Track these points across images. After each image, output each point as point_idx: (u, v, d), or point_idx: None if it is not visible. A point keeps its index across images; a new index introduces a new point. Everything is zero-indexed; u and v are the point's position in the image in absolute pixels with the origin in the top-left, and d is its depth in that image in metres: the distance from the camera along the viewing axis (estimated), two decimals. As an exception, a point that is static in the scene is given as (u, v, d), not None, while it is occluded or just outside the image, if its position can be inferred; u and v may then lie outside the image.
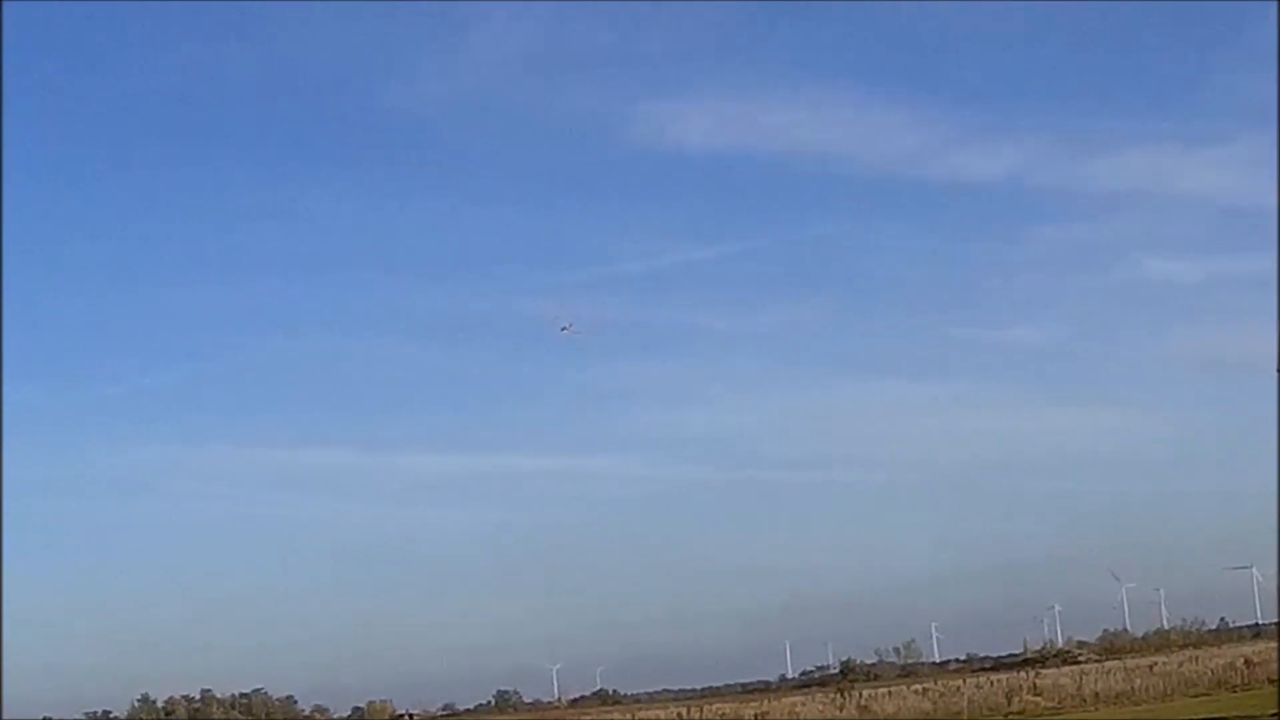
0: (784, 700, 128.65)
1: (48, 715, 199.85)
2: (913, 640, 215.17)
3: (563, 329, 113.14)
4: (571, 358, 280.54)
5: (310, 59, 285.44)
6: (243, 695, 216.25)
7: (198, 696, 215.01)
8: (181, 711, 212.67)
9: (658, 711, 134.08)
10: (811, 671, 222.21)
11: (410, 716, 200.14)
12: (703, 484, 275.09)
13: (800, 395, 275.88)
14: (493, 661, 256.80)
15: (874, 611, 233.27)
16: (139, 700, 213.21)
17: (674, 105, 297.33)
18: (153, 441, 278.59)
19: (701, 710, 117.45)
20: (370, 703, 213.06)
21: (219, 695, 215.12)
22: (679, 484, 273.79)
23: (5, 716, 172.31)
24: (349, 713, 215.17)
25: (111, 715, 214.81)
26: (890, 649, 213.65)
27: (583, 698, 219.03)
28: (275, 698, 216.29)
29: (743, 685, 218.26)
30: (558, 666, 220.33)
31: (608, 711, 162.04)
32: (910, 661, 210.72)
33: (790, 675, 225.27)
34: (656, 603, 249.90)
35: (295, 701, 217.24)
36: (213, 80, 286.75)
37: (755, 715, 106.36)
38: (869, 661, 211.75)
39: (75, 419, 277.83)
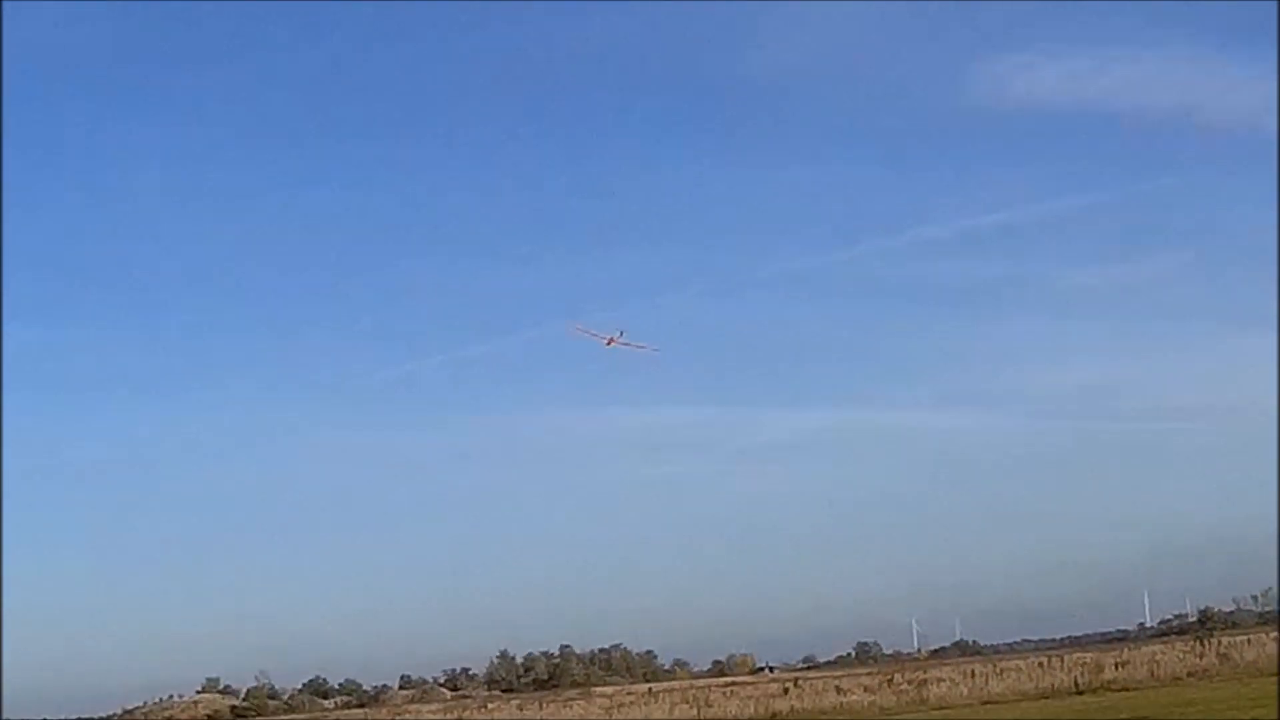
0: (1144, 649, 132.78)
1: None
2: (1270, 588, 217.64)
3: (608, 341, 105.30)
4: (929, 313, 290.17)
5: (655, 25, 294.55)
6: (602, 650, 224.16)
7: (557, 652, 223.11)
8: (541, 668, 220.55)
9: (1017, 661, 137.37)
10: (1170, 620, 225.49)
11: (771, 670, 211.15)
12: (1061, 437, 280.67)
13: (1157, 347, 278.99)
14: (853, 615, 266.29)
15: (1231, 560, 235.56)
16: (498, 657, 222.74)
17: (1021, 59, 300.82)
18: (507, 404, 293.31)
19: (1062, 660, 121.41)
20: (731, 656, 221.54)
21: (578, 651, 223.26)
22: (1037, 437, 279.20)
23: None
24: (709, 667, 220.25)
25: (471, 673, 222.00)
26: (1248, 597, 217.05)
27: (942, 649, 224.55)
28: (635, 653, 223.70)
29: (1102, 635, 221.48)
30: (917, 618, 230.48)
31: (968, 661, 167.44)
32: (1268, 609, 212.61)
33: (1149, 624, 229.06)
34: (1015, 554, 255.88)
35: (655, 656, 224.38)
36: (565, 50, 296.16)
37: (1115, 664, 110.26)
38: (1226, 609, 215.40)
39: (441, 384, 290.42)
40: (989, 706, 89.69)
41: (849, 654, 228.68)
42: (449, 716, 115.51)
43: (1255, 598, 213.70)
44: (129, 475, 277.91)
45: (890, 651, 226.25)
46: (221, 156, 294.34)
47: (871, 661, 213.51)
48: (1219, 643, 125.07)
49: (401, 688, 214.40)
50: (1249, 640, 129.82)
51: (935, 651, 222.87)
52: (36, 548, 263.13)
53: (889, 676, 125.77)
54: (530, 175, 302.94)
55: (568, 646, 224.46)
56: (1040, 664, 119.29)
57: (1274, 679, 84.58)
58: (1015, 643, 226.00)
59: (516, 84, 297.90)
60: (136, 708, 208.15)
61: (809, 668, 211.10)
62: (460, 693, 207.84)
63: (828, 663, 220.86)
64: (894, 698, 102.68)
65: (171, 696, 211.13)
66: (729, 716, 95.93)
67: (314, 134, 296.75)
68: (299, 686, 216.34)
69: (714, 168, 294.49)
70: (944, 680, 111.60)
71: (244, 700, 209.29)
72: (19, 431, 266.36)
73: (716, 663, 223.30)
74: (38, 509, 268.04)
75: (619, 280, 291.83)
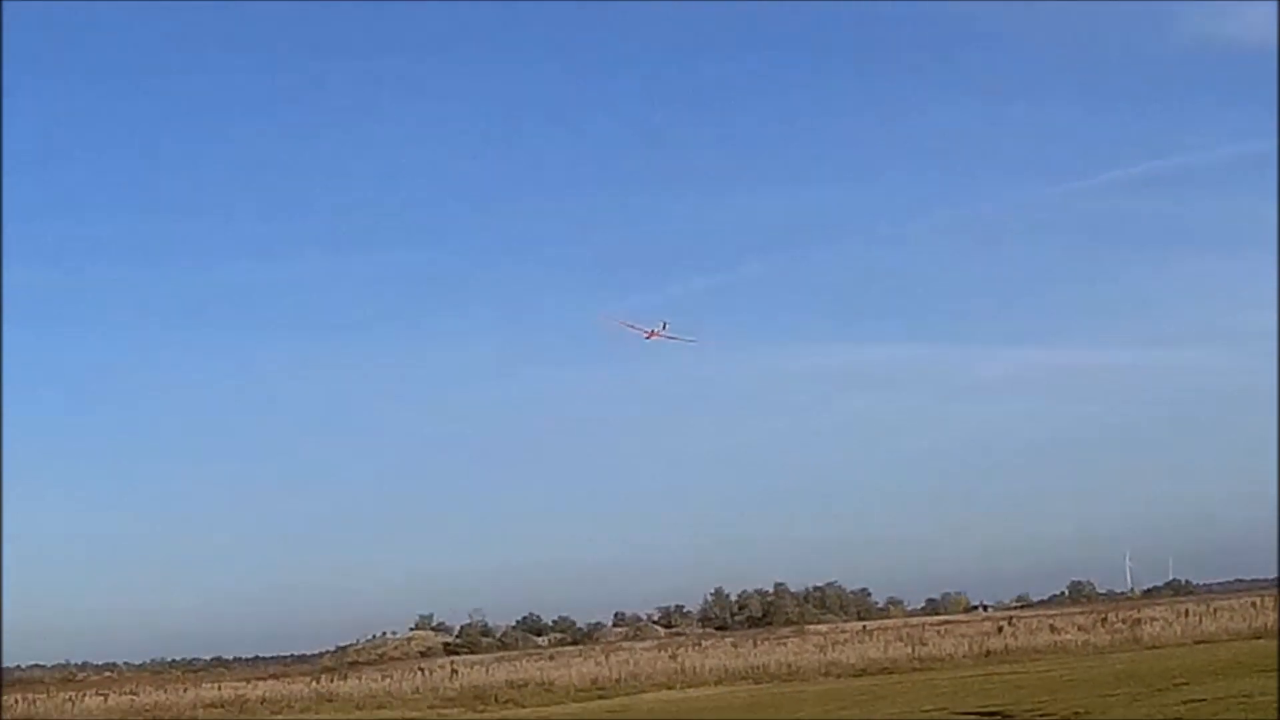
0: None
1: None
2: None
3: (649, 334, 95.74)
4: (1138, 251, 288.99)
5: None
6: (815, 588, 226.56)
7: (770, 590, 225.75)
8: (755, 606, 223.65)
9: (1230, 601, 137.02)
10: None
11: (985, 608, 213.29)
12: (1269, 375, 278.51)
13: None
14: (1066, 553, 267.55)
15: None
16: (712, 594, 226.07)
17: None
18: (723, 339, 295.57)
19: (1275, 600, 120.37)
20: (944, 594, 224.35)
21: (792, 589, 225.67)
22: (1246, 375, 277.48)
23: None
24: (923, 605, 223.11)
25: (685, 610, 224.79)
26: None
27: (1155, 588, 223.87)
28: (849, 590, 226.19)
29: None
30: (1130, 557, 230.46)
31: (1180, 601, 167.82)
32: None
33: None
34: (1230, 492, 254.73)
35: (869, 594, 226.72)
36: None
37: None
38: None
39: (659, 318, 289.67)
40: (1202, 646, 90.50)
41: (1062, 593, 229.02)
42: (663, 654, 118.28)
43: None
44: (350, 412, 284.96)
45: (1103, 591, 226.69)
46: (461, 91, 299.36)
47: (1084, 600, 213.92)
48: None
49: (615, 625, 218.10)
50: None
51: (1148, 591, 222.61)
52: (256, 487, 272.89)
53: (1102, 615, 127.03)
54: (748, 110, 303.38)
55: (782, 584, 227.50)
56: (1253, 604, 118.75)
57: None
58: (1227, 582, 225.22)
59: (729, 19, 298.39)
60: (350, 645, 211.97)
61: (1022, 606, 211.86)
62: (674, 630, 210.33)
63: (1041, 601, 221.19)
64: (1107, 637, 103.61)
65: (385, 634, 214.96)
66: (943, 654, 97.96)
67: (534, 65, 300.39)
68: (512, 624, 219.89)
69: (922, 105, 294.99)
70: (1157, 620, 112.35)
71: (457, 637, 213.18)
72: (255, 367, 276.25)
73: (930, 601, 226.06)
74: (257, 446, 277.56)
75: (832, 214, 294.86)
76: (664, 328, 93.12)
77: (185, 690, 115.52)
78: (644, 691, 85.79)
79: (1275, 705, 40.70)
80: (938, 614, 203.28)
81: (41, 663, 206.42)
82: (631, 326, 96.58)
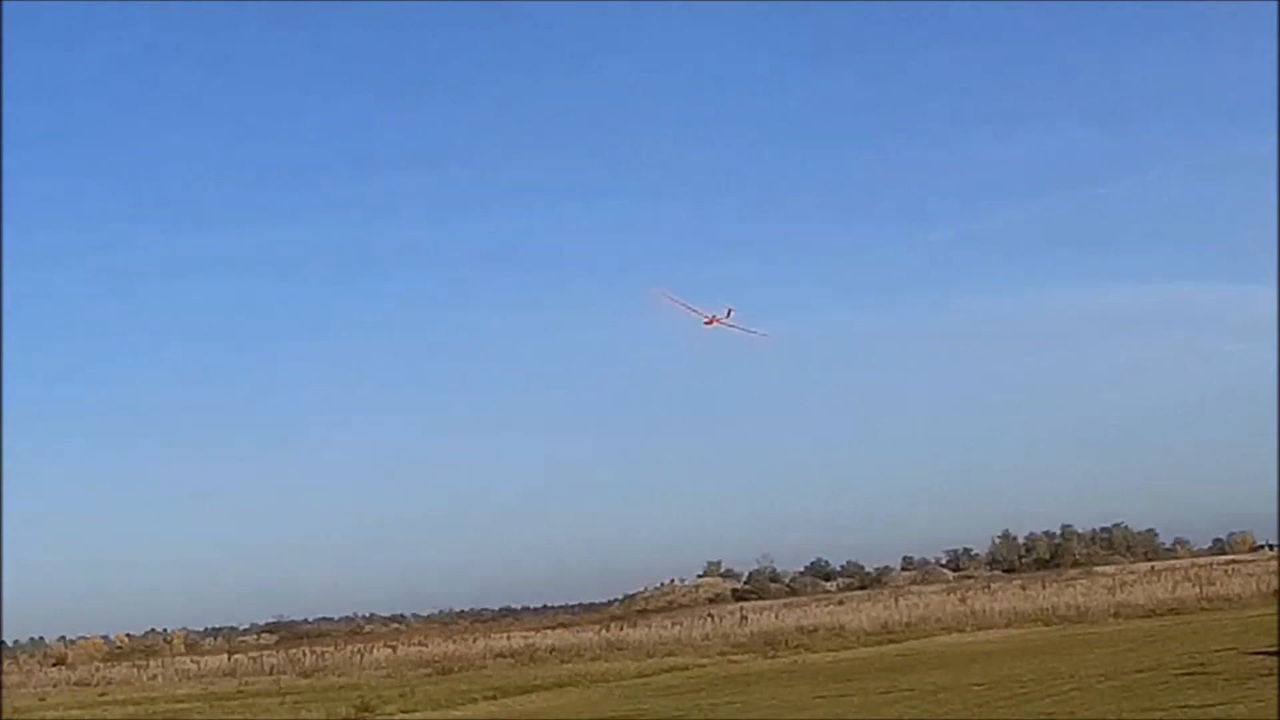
0: None
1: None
2: None
3: (709, 320, 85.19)
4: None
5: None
6: (1103, 530, 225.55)
7: (1058, 532, 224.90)
8: (1042, 548, 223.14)
9: None
10: None
11: (1270, 547, 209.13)
12: None
13: None
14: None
15: None
16: (999, 537, 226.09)
17: None
18: (992, 282, 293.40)
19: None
20: (1231, 534, 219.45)
21: (1079, 530, 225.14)
22: None
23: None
24: (1209, 545, 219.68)
25: (972, 553, 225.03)
26: None
27: None
28: (1136, 531, 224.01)
29: None
30: None
31: None
32: None
33: None
34: None
35: (1156, 535, 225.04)
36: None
37: None
38: None
39: (926, 262, 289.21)
40: None
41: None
42: (951, 597, 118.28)
43: None
44: (632, 363, 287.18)
45: None
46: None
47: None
48: None
49: (903, 569, 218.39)
50: None
51: None
52: (545, 437, 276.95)
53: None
54: (1022, 48, 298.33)
55: (1069, 526, 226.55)
56: None
57: None
58: None
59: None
60: (638, 593, 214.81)
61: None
62: (962, 573, 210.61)
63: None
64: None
65: (673, 581, 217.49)
66: (1231, 594, 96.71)
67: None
68: (800, 569, 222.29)
69: (1181, 46, 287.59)
70: None
71: (745, 583, 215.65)
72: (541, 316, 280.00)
73: (1216, 541, 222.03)
74: (540, 396, 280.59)
75: (1095, 157, 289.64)
76: (728, 314, 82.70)
77: (474, 640, 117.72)
78: (933, 635, 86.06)
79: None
80: (1224, 554, 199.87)
81: (329, 616, 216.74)
82: (689, 308, 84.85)
